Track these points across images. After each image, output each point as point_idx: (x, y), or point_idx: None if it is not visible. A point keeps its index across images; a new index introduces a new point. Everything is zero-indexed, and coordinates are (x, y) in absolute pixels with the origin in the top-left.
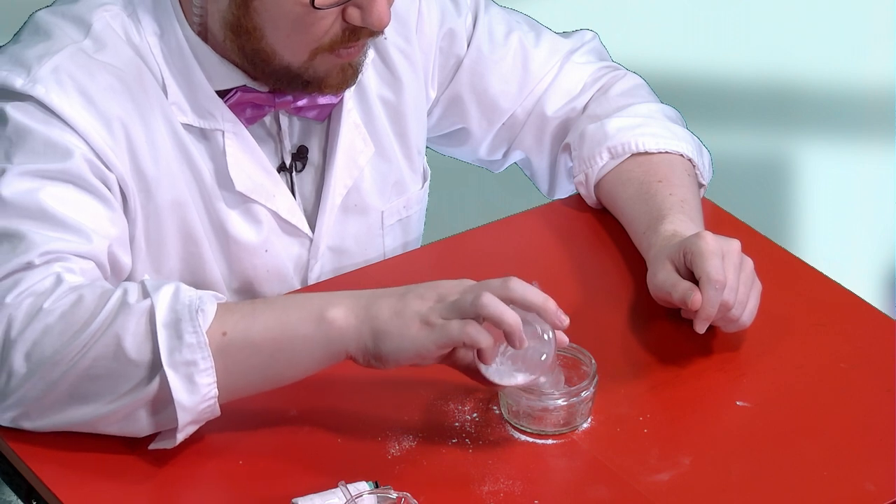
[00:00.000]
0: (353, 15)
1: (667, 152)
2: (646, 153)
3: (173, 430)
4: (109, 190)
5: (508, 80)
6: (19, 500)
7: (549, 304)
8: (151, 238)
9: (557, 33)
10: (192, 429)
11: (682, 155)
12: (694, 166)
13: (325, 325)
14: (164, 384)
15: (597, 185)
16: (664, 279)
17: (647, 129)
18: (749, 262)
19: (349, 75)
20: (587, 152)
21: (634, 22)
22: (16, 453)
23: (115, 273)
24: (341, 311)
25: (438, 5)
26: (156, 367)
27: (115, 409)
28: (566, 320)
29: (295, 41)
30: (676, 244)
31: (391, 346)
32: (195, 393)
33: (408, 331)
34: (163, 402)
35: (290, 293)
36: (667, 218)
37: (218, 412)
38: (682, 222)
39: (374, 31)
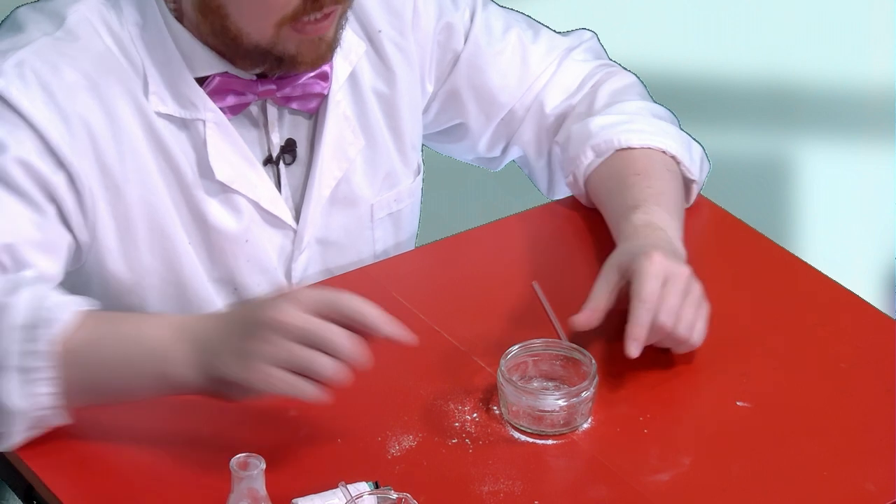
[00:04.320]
0: None
1: (649, 148)
2: (629, 149)
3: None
4: (51, 192)
5: (506, 75)
6: (19, 500)
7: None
8: (123, 235)
9: (556, 32)
10: (27, 434)
11: (664, 151)
12: (678, 162)
13: (165, 381)
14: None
15: (586, 184)
16: (596, 286)
17: (632, 125)
18: (696, 286)
19: (323, 50)
20: (573, 152)
21: (634, 22)
22: (16, 453)
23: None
24: (181, 369)
25: (435, 0)
26: None
27: None
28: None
29: (257, 16)
30: (631, 258)
31: (240, 394)
32: (29, 399)
33: (254, 382)
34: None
35: (152, 319)
36: (640, 208)
37: (65, 420)
38: (657, 213)
39: None
